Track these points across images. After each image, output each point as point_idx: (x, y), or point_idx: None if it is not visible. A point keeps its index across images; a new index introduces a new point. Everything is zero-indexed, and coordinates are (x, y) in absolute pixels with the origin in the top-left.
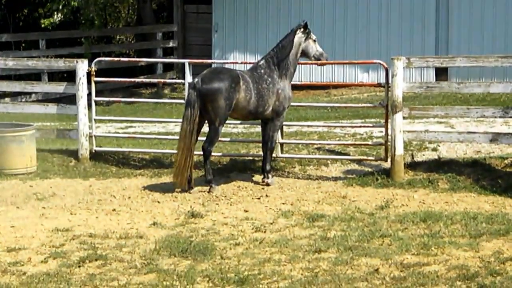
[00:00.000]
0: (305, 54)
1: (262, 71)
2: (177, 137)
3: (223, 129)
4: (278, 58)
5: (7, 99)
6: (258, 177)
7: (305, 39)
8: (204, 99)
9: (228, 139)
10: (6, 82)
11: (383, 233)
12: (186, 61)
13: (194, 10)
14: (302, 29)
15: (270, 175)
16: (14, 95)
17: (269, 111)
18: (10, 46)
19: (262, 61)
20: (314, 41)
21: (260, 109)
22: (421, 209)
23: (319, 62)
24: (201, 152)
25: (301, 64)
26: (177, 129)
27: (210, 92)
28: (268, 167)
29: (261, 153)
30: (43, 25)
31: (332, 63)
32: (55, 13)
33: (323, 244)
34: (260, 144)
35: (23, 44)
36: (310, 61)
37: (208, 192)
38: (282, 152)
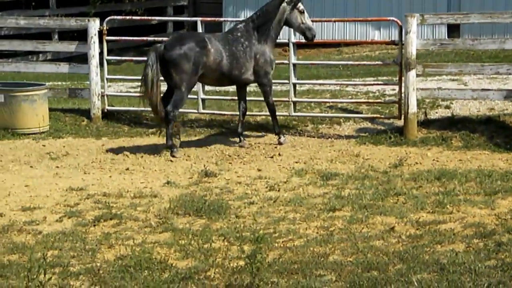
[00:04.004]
0: (288, 24)
1: (239, 34)
2: (188, 96)
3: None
4: (260, 22)
5: (17, 58)
6: (271, 136)
7: (291, 8)
8: (167, 65)
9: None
10: (18, 41)
11: (397, 192)
12: (199, 19)
13: None
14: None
15: (282, 135)
16: (24, 55)
17: (247, 75)
18: (20, 5)
19: (241, 25)
20: (301, 12)
21: (235, 71)
22: (435, 167)
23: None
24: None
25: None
26: None
27: (172, 58)
28: (277, 129)
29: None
30: None
31: (343, 21)
32: None
33: (337, 203)
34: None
35: (33, 3)
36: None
37: (170, 155)
38: (294, 111)
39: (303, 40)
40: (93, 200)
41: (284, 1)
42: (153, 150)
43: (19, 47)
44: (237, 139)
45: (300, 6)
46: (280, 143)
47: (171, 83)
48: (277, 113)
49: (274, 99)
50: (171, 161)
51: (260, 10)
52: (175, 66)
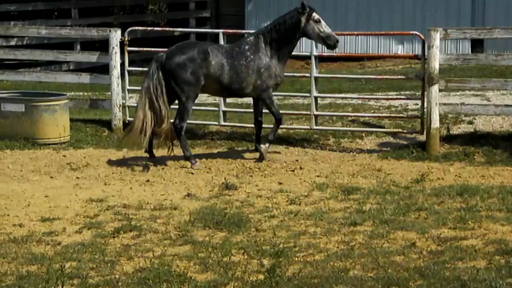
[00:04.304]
0: (306, 35)
1: (247, 46)
2: (209, 108)
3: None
4: (272, 35)
5: (38, 68)
6: (292, 149)
7: (306, 20)
8: (168, 75)
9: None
10: (39, 51)
11: (419, 207)
12: (221, 31)
13: None
14: (300, 10)
15: (268, 144)
16: (45, 64)
17: (249, 90)
18: (42, 15)
19: (251, 37)
20: (317, 21)
21: (235, 85)
22: (457, 182)
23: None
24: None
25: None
26: (210, 99)
27: (172, 67)
28: (270, 137)
29: (295, 126)
30: None
31: (366, 34)
32: None
33: (358, 217)
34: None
35: (55, 13)
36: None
37: (191, 167)
38: (316, 125)
39: (325, 54)
40: (113, 211)
41: (299, 14)
42: (174, 162)
43: (40, 56)
44: (257, 153)
45: (315, 15)
46: (260, 147)
47: (173, 93)
48: (298, 126)
49: (295, 112)
50: (191, 173)
51: (273, 23)
52: (175, 76)
